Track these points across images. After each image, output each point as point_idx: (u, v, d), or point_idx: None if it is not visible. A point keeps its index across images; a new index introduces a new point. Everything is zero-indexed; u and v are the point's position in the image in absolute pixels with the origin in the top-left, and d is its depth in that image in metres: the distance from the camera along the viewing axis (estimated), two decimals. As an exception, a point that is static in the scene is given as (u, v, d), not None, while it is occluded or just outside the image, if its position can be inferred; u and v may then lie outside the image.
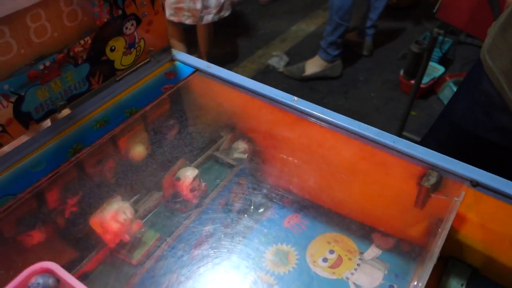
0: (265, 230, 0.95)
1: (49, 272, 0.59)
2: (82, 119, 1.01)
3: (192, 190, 0.96)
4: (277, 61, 3.16)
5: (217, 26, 3.44)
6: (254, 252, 0.88)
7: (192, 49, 3.05)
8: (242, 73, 1.09)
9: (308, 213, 1.04)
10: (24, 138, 1.00)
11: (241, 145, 1.09)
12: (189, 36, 2.99)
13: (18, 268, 0.71)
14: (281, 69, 3.07)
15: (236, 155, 1.08)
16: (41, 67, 0.90)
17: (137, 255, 0.86)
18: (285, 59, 3.18)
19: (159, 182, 1.00)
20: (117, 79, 1.10)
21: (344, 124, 0.94)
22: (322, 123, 0.97)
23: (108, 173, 1.01)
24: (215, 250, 0.83)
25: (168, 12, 2.63)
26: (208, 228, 0.88)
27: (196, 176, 0.97)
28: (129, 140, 1.06)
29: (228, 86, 1.09)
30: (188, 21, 2.65)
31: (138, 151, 1.06)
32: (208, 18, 2.66)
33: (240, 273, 0.83)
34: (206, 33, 2.85)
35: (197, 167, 1.05)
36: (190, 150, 1.05)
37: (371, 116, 2.71)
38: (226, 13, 2.79)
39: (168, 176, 0.98)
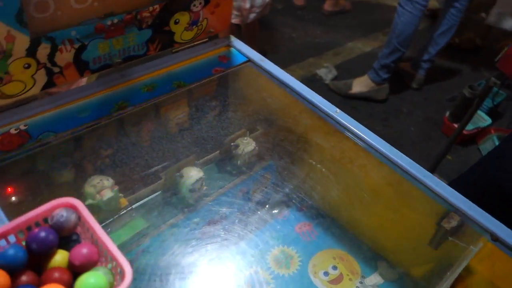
0: (278, 227, 0.96)
1: (73, 208, 0.63)
2: (133, 79, 1.05)
3: (191, 191, 0.95)
4: (326, 72, 3.15)
5: (275, 26, 3.47)
6: (262, 245, 0.90)
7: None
8: (288, 77, 1.11)
9: (322, 224, 1.04)
10: (76, 84, 1.05)
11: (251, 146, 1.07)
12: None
13: (44, 199, 0.76)
14: (327, 81, 3.06)
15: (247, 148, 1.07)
16: (109, 22, 0.94)
17: (122, 239, 0.87)
18: (334, 72, 3.17)
19: (165, 170, 1.00)
20: (173, 50, 1.13)
21: (379, 147, 0.95)
22: (358, 140, 0.98)
23: (141, 136, 1.04)
24: (226, 232, 0.85)
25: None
26: (225, 210, 0.90)
27: (200, 178, 0.96)
28: (168, 111, 1.09)
29: (276, 83, 1.11)
30: (235, 20, 2.66)
31: (171, 126, 1.09)
32: (251, 16, 2.68)
33: (243, 261, 0.85)
34: (252, 32, 2.86)
35: (211, 160, 1.06)
36: (226, 134, 1.07)
37: (405, 150, 2.65)
38: (266, 12, 2.80)
39: (173, 169, 0.98)
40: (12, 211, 0.71)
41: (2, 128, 0.87)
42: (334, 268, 0.99)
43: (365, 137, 0.97)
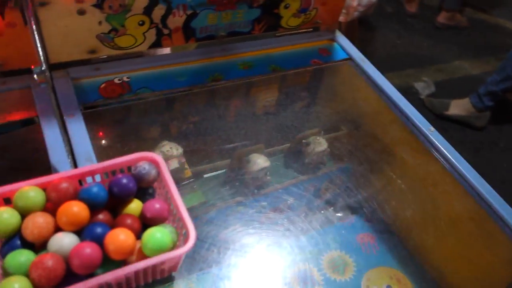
0: (342, 231, 0.93)
1: (155, 163, 0.66)
2: (232, 55, 1.07)
3: (253, 178, 0.95)
4: (423, 87, 2.98)
5: (380, 29, 3.34)
6: (321, 245, 0.88)
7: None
8: (382, 83, 1.06)
9: (386, 241, 1.00)
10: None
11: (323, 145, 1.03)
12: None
13: (129, 149, 0.81)
14: (422, 97, 2.90)
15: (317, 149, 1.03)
16: (222, -5, 0.96)
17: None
18: (432, 89, 2.99)
19: (235, 151, 0.99)
20: (276, 34, 1.13)
21: (469, 177, 0.88)
22: (447, 165, 0.91)
23: (226, 111, 1.06)
24: (289, 223, 0.84)
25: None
26: (292, 201, 0.89)
27: (265, 168, 0.95)
28: (258, 93, 1.10)
29: (372, 87, 1.07)
30: (341, 18, 2.59)
31: (256, 107, 1.09)
32: (354, 14, 2.58)
33: (299, 255, 0.84)
34: (352, 31, 2.75)
35: (280, 151, 1.05)
36: (305, 128, 1.05)
37: (493, 187, 2.46)
38: (370, 11, 2.69)
39: (241, 152, 0.97)
40: (101, 153, 0.77)
41: (108, 76, 0.94)
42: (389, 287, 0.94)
43: (456, 163, 0.90)
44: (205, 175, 0.99)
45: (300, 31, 1.16)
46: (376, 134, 1.07)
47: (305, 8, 1.09)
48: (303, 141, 1.03)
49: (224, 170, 1.00)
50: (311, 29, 1.17)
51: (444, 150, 0.93)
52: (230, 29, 1.04)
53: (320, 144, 1.02)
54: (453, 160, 0.91)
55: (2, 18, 0.77)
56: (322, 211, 0.93)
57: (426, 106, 2.83)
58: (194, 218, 0.85)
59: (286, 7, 1.06)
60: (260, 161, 0.95)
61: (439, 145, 0.94)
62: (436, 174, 0.94)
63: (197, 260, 0.72)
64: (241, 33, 1.06)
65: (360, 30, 2.87)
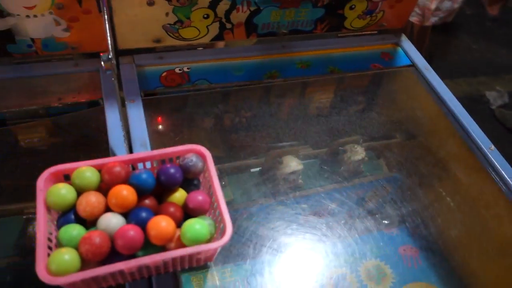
0: (380, 243, 0.92)
1: (202, 156, 0.69)
2: (291, 53, 1.08)
3: (285, 180, 0.94)
4: (496, 97, 2.80)
5: (456, 31, 3.15)
6: (358, 253, 0.88)
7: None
8: (450, 89, 1.01)
9: (430, 256, 0.96)
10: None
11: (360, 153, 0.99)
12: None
13: (182, 138, 0.84)
14: (494, 107, 2.73)
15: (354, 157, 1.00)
16: (286, -8, 0.96)
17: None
18: (505, 99, 2.80)
19: (269, 150, 0.98)
20: (339, 35, 1.12)
21: (527, 204, 0.83)
22: (504, 187, 0.87)
23: (276, 109, 1.06)
24: (328, 228, 0.84)
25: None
26: (334, 206, 0.89)
27: (297, 171, 0.93)
28: (312, 93, 1.09)
29: (433, 98, 1.03)
30: (413, 19, 2.46)
31: (307, 109, 1.09)
32: (432, 19, 2.44)
33: (334, 261, 0.84)
34: (423, 35, 2.62)
35: (316, 156, 1.02)
36: (362, 134, 1.03)
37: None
38: (449, 19, 2.53)
39: (274, 153, 0.97)
40: (155, 140, 0.81)
41: (170, 65, 0.98)
42: (427, 305, 0.92)
43: (515, 187, 0.85)
44: (243, 171, 0.99)
45: (365, 33, 1.13)
46: (431, 146, 1.03)
47: (372, 10, 1.07)
48: (340, 148, 1.01)
49: (258, 169, 1.00)
50: (376, 32, 1.15)
51: (502, 171, 0.88)
52: (292, 27, 1.04)
53: (357, 153, 0.99)
54: (511, 182, 0.86)
55: (79, 5, 0.84)
56: (364, 220, 0.92)
57: (497, 117, 2.67)
58: (237, 210, 0.87)
59: (351, 8, 1.04)
60: (292, 164, 0.95)
61: (497, 165, 0.89)
62: (490, 195, 0.89)
63: (232, 252, 0.75)
64: (302, 31, 1.06)
65: (434, 31, 2.73)
